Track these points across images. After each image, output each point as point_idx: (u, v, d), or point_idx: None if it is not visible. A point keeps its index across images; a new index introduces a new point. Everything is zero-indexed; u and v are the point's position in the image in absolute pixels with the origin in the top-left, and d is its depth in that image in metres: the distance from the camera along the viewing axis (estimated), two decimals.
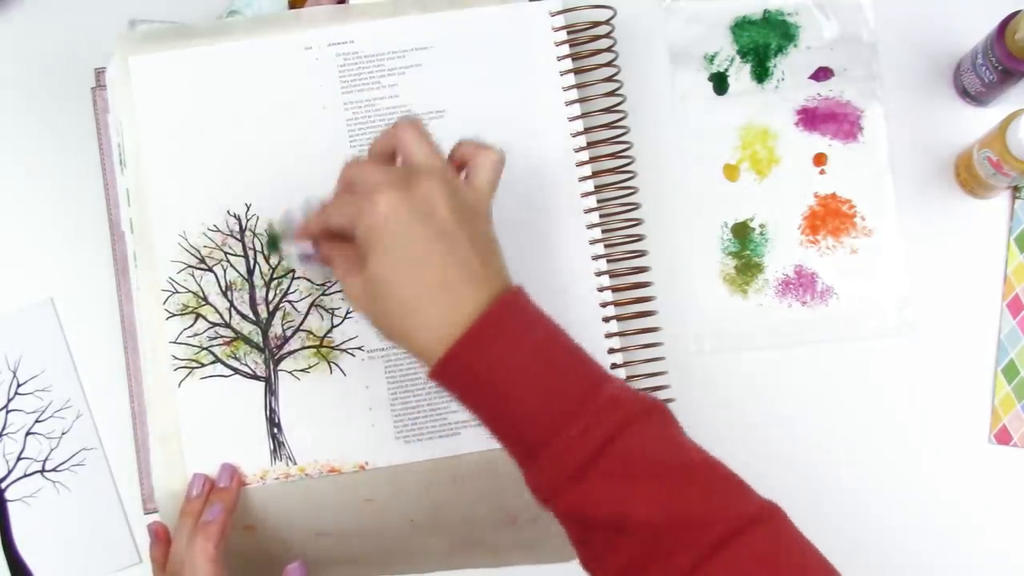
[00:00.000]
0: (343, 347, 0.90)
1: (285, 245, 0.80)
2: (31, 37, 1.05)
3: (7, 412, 0.99)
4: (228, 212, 0.91)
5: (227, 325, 0.90)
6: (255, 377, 0.89)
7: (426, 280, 0.72)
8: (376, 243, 0.73)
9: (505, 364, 0.72)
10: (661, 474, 0.71)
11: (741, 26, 1.05)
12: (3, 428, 0.99)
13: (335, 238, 0.77)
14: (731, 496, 0.73)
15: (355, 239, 0.74)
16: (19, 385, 1.00)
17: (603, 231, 0.94)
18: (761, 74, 1.05)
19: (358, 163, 0.77)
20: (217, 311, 0.90)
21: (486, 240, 0.76)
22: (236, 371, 0.90)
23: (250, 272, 0.91)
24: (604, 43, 0.98)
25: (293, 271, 0.91)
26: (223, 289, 0.90)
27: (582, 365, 0.74)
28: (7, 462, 0.99)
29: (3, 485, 0.98)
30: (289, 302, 0.91)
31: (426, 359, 0.73)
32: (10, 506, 0.98)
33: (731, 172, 1.04)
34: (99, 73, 0.99)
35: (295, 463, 0.89)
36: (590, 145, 0.95)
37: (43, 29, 1.05)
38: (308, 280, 0.91)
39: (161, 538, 0.87)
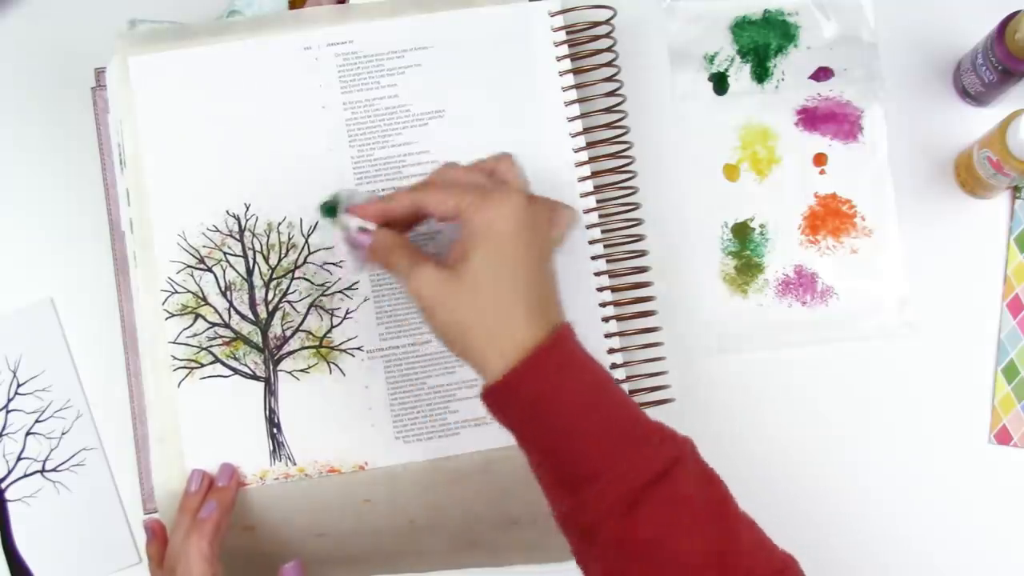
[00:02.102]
0: (342, 347, 0.90)
1: (344, 216, 0.80)
2: (31, 37, 1.05)
3: (7, 412, 0.99)
4: (227, 212, 0.91)
5: (226, 325, 0.90)
6: (254, 377, 0.89)
7: (514, 292, 0.73)
8: (486, 238, 0.73)
9: (562, 395, 0.72)
10: (711, 512, 0.72)
11: (741, 26, 1.05)
12: (3, 428, 0.99)
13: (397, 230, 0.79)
14: (765, 545, 0.74)
15: (459, 224, 0.75)
16: (19, 385, 1.00)
17: (603, 231, 0.94)
18: (761, 74, 1.05)
19: (463, 167, 0.78)
20: (216, 311, 0.90)
21: (555, 279, 0.77)
22: (235, 371, 0.90)
23: (249, 272, 0.91)
24: (604, 43, 0.98)
25: (293, 272, 0.91)
26: (222, 289, 0.90)
27: (631, 403, 0.75)
28: (7, 462, 0.99)
29: (3, 485, 0.99)
30: (288, 302, 0.91)
31: (484, 373, 0.73)
32: (10, 506, 0.98)
33: (731, 172, 1.04)
34: (99, 73, 0.99)
35: (294, 463, 0.89)
36: (590, 145, 0.95)
37: (43, 29, 1.05)
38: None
39: (157, 534, 0.87)
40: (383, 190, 0.92)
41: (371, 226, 0.79)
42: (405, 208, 0.78)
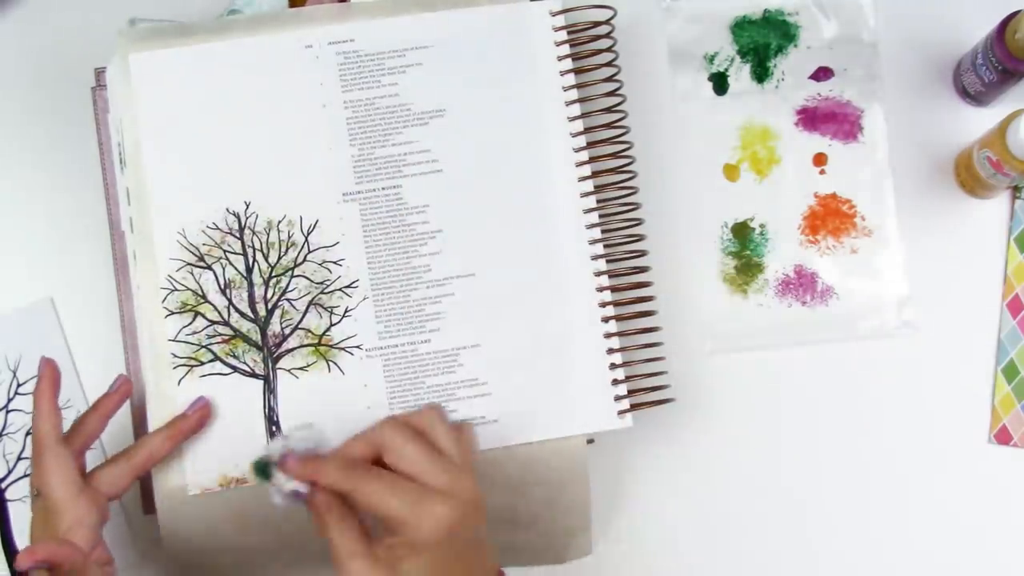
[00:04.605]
0: (341, 345, 0.90)
1: (278, 475, 0.73)
2: (31, 37, 1.05)
3: (7, 412, 0.99)
4: (227, 210, 0.91)
5: (225, 323, 0.90)
6: (254, 375, 0.89)
7: None
8: (418, 551, 0.71)
9: None
10: None
11: (741, 26, 1.05)
12: (3, 428, 0.99)
13: (338, 495, 0.73)
14: None
15: (391, 523, 0.71)
16: (19, 385, 1.00)
17: (603, 231, 0.94)
18: (761, 74, 1.05)
19: (409, 438, 0.73)
20: (216, 309, 0.90)
21: (486, 558, 0.76)
22: (235, 369, 0.90)
23: (249, 270, 0.91)
24: (604, 43, 0.98)
25: (292, 270, 0.91)
26: (222, 287, 0.90)
27: None
28: (7, 462, 0.99)
29: (3, 485, 0.99)
30: (288, 300, 0.91)
31: None
32: (10, 506, 0.98)
33: (731, 172, 1.04)
34: (99, 73, 0.99)
35: None
36: (590, 145, 0.95)
37: (43, 29, 1.05)
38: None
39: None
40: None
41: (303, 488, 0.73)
42: (337, 479, 0.72)
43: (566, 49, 0.96)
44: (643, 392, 0.93)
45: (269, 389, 0.89)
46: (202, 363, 0.89)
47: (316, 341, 0.90)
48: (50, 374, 0.84)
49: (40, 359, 0.85)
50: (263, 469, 0.74)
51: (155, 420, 0.89)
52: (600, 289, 0.93)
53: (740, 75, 1.05)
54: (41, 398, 0.83)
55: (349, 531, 0.72)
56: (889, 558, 0.99)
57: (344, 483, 0.72)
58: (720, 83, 1.05)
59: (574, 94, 0.95)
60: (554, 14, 0.96)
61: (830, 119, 1.04)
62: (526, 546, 0.96)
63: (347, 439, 0.74)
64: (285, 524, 0.89)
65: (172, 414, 0.88)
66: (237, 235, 0.91)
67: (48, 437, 0.82)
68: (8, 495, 0.99)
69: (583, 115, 0.95)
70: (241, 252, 0.91)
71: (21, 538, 0.98)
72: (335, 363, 0.90)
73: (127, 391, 0.88)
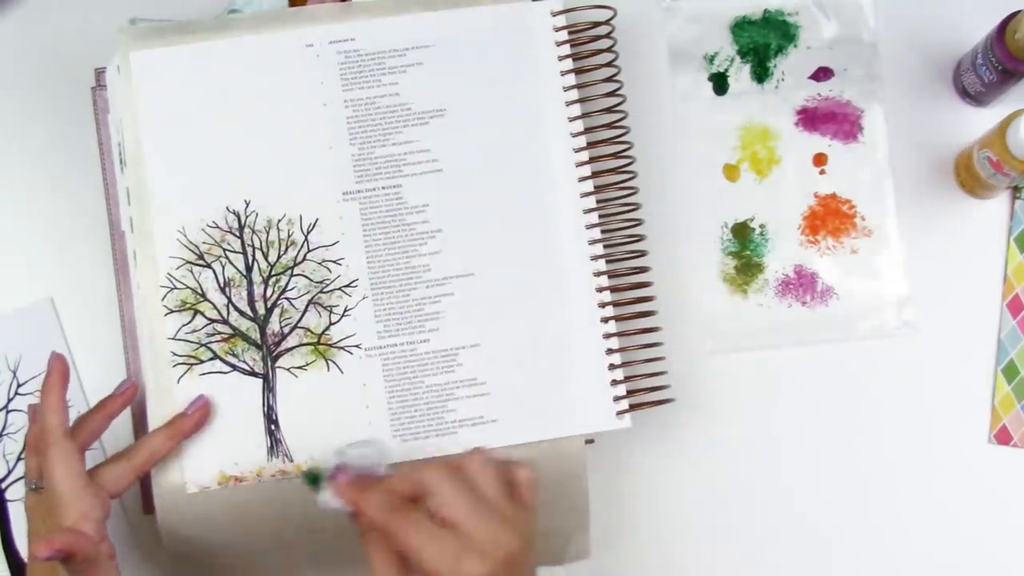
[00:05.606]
0: (341, 344, 0.90)
1: (326, 490, 0.74)
2: (31, 37, 1.05)
3: (7, 412, 0.99)
4: (227, 208, 0.91)
5: (225, 322, 0.90)
6: (253, 374, 0.90)
7: None
8: None
9: None
10: None
11: (741, 26, 1.05)
12: (3, 428, 0.99)
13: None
14: None
15: (425, 570, 0.70)
16: (19, 385, 1.00)
17: (603, 231, 0.94)
18: (761, 74, 1.05)
19: (456, 489, 0.72)
20: (215, 307, 0.90)
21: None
22: (234, 368, 0.90)
23: (248, 269, 0.91)
24: (604, 43, 0.98)
25: (292, 269, 0.91)
26: (221, 285, 0.91)
27: None
28: (7, 462, 0.99)
29: (3, 485, 0.98)
30: (287, 299, 0.91)
31: None
32: (10, 506, 0.98)
33: (731, 172, 1.04)
34: (99, 73, 0.99)
35: (291, 460, 0.89)
36: (590, 145, 0.95)
37: (43, 29, 1.05)
38: None
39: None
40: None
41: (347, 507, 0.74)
42: (378, 515, 0.72)
43: (567, 49, 0.96)
44: (643, 392, 0.93)
45: (268, 388, 0.89)
46: (201, 361, 0.90)
47: (315, 340, 0.90)
48: (59, 368, 0.85)
49: (50, 354, 0.86)
50: (313, 479, 0.75)
51: (155, 418, 0.89)
52: (600, 289, 0.93)
53: (740, 75, 1.05)
54: (50, 392, 0.84)
55: (387, 557, 0.71)
56: (889, 558, 0.99)
57: (385, 521, 0.71)
58: (720, 83, 1.05)
59: (574, 94, 0.95)
60: (555, 14, 0.96)
61: (830, 119, 1.04)
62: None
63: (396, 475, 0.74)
64: (283, 523, 0.90)
65: (172, 412, 0.88)
66: (237, 234, 0.91)
67: (56, 431, 0.82)
68: (8, 495, 0.98)
69: (583, 115, 0.95)
70: (241, 251, 0.91)
71: (21, 538, 0.98)
72: (334, 362, 0.90)
73: (132, 394, 0.89)
